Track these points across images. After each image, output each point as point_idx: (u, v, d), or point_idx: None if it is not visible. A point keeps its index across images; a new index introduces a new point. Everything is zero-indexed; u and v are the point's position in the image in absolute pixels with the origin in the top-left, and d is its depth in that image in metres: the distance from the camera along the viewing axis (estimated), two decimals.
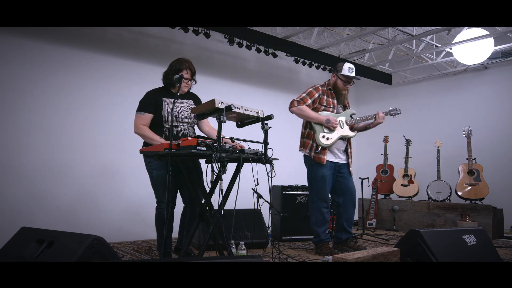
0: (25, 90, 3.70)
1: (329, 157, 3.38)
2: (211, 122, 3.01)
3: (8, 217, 3.46)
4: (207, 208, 2.59)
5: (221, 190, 2.48)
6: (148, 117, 2.76)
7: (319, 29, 5.05)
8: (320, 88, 3.43)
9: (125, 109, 3.70)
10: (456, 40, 4.85)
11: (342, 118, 3.43)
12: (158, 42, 4.64)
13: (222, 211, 2.59)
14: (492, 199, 4.69)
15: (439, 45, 5.22)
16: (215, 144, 2.29)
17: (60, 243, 1.68)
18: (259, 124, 2.55)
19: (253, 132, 2.89)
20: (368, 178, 5.17)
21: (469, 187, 4.73)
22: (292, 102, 3.35)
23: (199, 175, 2.83)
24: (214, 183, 2.57)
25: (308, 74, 6.19)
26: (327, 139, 3.34)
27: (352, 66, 3.41)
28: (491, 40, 4.73)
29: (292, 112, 3.37)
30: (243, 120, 2.67)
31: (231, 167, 2.46)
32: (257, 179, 2.49)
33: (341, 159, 3.45)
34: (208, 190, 2.62)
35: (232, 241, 3.03)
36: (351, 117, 3.46)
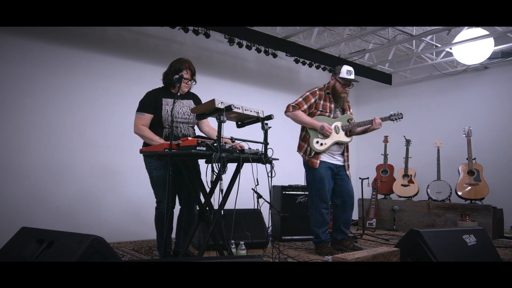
0: (25, 90, 3.70)
1: (325, 158, 3.39)
2: (211, 122, 3.01)
3: (8, 217, 3.46)
4: (207, 208, 2.59)
5: (221, 190, 2.48)
6: (148, 117, 2.76)
7: (319, 29, 5.05)
8: (317, 92, 3.43)
9: (125, 109, 3.70)
10: (456, 40, 4.85)
11: (338, 123, 3.42)
12: (158, 42, 4.64)
13: (222, 211, 2.59)
14: (492, 199, 4.69)
15: (439, 45, 5.22)
16: (215, 144, 2.29)
17: (60, 243, 1.68)
18: (259, 124, 2.56)
19: (253, 132, 2.89)
20: (368, 178, 5.17)
21: (469, 187, 4.73)
22: (288, 107, 3.39)
23: (198, 175, 2.83)
24: (214, 183, 2.57)
25: (308, 74, 6.19)
26: (321, 144, 3.35)
27: (350, 68, 3.38)
28: (491, 40, 4.73)
29: (287, 116, 3.41)
30: (243, 120, 2.67)
31: (231, 167, 2.46)
32: (257, 179, 2.49)
33: (338, 160, 3.45)
34: (208, 190, 2.62)
35: (232, 241, 3.03)
36: (348, 122, 3.45)
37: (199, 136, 2.55)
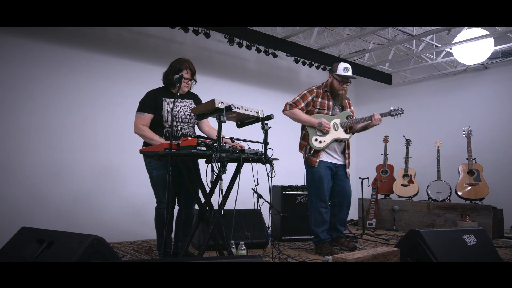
0: (25, 90, 3.70)
1: (324, 157, 3.39)
2: (211, 122, 3.01)
3: (8, 217, 3.46)
4: (207, 208, 2.59)
5: (221, 190, 2.48)
6: (148, 117, 2.76)
7: (319, 29, 5.05)
8: (315, 90, 3.44)
9: (125, 109, 3.70)
10: (456, 40, 4.85)
11: (336, 120, 3.42)
12: (158, 42, 4.64)
13: (222, 211, 2.59)
14: (492, 199, 4.69)
15: (439, 45, 5.22)
16: (215, 144, 2.29)
17: (60, 243, 1.67)
18: (259, 124, 2.56)
19: (253, 132, 2.89)
20: (368, 178, 5.17)
21: (469, 187, 4.73)
22: (285, 105, 3.42)
23: (198, 175, 2.82)
24: (214, 183, 2.57)
25: (308, 74, 6.19)
26: (320, 142, 3.35)
27: (347, 65, 3.39)
28: (491, 40, 4.73)
29: (285, 115, 3.43)
30: (243, 120, 2.67)
31: (231, 167, 2.46)
32: (257, 179, 2.49)
33: (338, 160, 3.45)
34: (208, 190, 2.62)
35: (232, 241, 3.03)
36: (347, 119, 3.45)
37: (199, 136, 2.55)
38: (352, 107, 3.63)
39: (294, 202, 4.13)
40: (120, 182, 4.21)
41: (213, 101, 2.32)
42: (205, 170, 2.50)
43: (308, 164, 3.41)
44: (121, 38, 4.37)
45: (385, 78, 6.24)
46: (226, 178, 2.37)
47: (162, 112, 2.76)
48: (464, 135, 4.91)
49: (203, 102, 2.70)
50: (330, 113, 3.45)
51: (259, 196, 2.77)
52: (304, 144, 3.45)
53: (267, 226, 3.49)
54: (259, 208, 2.82)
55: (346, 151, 3.50)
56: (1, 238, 2.14)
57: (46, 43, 3.83)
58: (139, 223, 4.11)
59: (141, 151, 2.63)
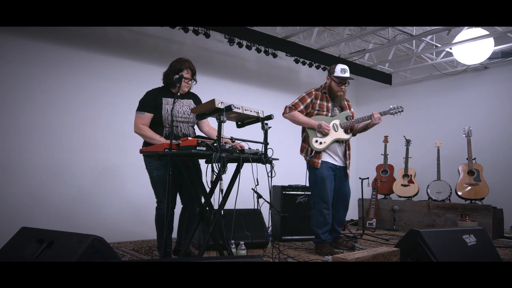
0: (25, 90, 3.70)
1: (327, 158, 3.41)
2: (211, 122, 3.01)
3: (8, 217, 3.46)
4: (207, 208, 2.59)
5: (221, 190, 2.48)
6: (148, 116, 2.76)
7: (319, 29, 5.05)
8: (313, 92, 3.46)
9: (125, 109, 3.70)
10: (456, 40, 4.85)
11: (336, 121, 3.43)
12: (158, 42, 4.64)
13: (222, 211, 2.59)
14: (492, 199, 4.69)
15: (439, 45, 5.22)
16: (215, 144, 2.29)
17: (60, 243, 1.67)
18: (259, 124, 2.56)
19: (253, 132, 2.89)
20: (368, 178, 5.17)
21: (469, 187, 4.73)
22: (285, 108, 3.44)
23: (199, 175, 2.83)
24: (214, 183, 2.57)
25: (308, 74, 6.19)
26: (320, 143, 3.37)
27: (344, 67, 3.40)
28: (491, 40, 4.73)
29: (285, 118, 3.46)
30: (243, 120, 2.67)
31: (231, 167, 2.46)
32: (257, 179, 2.49)
33: (338, 161, 3.46)
34: (208, 190, 2.62)
35: (232, 241, 3.03)
36: (346, 119, 3.45)
37: (199, 136, 2.55)
38: (352, 108, 3.64)
39: (294, 202, 4.13)
40: (120, 182, 4.21)
41: (213, 101, 2.32)
42: (205, 170, 2.50)
43: (311, 165, 3.42)
44: (121, 38, 4.37)
45: (385, 78, 6.24)
46: (226, 178, 2.37)
47: (162, 112, 2.76)
48: (464, 135, 4.91)
49: (203, 102, 2.70)
50: (329, 114, 3.46)
51: (259, 196, 2.77)
52: (305, 146, 3.47)
53: (267, 226, 3.49)
54: (259, 208, 2.81)
55: (347, 152, 3.51)
56: (1, 238, 2.14)
57: (46, 43, 3.83)
58: (139, 223, 4.11)
59: (141, 151, 2.63)
